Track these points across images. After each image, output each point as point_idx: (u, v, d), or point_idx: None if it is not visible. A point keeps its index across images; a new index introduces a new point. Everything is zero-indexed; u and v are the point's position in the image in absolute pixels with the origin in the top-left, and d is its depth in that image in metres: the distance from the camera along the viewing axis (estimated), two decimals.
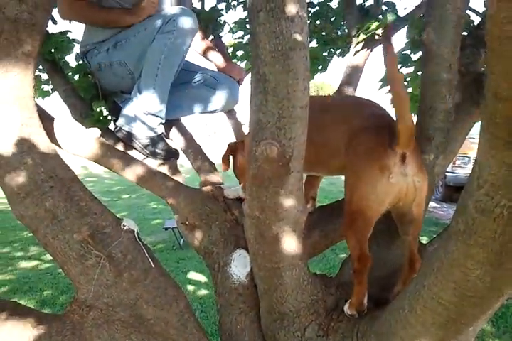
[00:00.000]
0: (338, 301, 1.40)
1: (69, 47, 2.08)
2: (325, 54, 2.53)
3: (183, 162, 2.07)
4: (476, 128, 0.99)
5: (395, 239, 1.44)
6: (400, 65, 2.09)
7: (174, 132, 2.07)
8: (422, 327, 1.06)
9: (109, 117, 2.02)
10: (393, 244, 1.47)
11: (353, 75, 2.11)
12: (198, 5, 2.55)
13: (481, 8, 1.88)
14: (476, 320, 1.01)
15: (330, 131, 1.40)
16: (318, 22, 2.48)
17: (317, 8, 2.51)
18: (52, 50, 1.99)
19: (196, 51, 2.23)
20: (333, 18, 2.49)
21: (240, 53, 2.67)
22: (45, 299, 3.98)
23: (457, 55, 1.45)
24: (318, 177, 1.72)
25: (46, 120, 1.50)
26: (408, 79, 2.09)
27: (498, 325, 3.38)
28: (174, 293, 1.39)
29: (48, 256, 1.35)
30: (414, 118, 1.43)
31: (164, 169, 1.88)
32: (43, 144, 1.33)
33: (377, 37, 2.04)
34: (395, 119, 1.24)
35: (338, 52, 2.57)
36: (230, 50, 2.61)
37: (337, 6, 2.50)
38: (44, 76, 2.31)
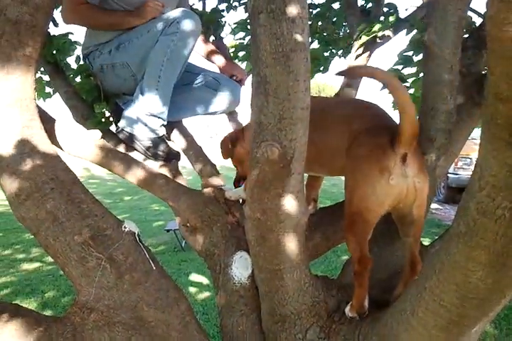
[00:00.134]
0: (339, 303, 1.39)
1: (71, 49, 2.09)
2: (326, 54, 2.53)
3: (185, 164, 2.07)
4: (479, 129, 0.99)
5: (396, 240, 1.44)
6: (401, 66, 2.09)
7: (175, 134, 2.07)
8: (424, 330, 1.05)
9: (111, 119, 2.03)
10: (394, 246, 1.47)
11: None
12: (198, 5, 2.55)
13: (483, 9, 1.88)
14: (478, 322, 1.00)
15: (330, 131, 1.40)
16: (319, 23, 2.49)
17: (319, 9, 2.51)
18: (54, 52, 1.99)
19: (198, 53, 2.23)
20: (335, 19, 2.49)
21: (241, 54, 2.67)
22: (47, 301, 3.98)
23: (458, 56, 1.44)
24: (319, 178, 1.72)
25: (47, 122, 1.50)
26: (410, 80, 2.09)
27: (501, 326, 3.37)
28: (175, 295, 1.39)
29: (50, 258, 1.34)
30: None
31: (165, 171, 1.88)
32: (44, 146, 1.33)
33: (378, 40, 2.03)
34: (395, 121, 1.24)
35: (339, 52, 2.57)
36: (232, 50, 2.61)
37: (338, 6, 2.50)
38: (45, 78, 2.32)
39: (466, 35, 1.59)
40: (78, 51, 2.11)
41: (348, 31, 2.39)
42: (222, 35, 2.47)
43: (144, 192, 1.72)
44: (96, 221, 1.31)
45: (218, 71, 2.21)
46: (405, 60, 2.05)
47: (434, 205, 7.94)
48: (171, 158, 1.94)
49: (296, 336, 1.36)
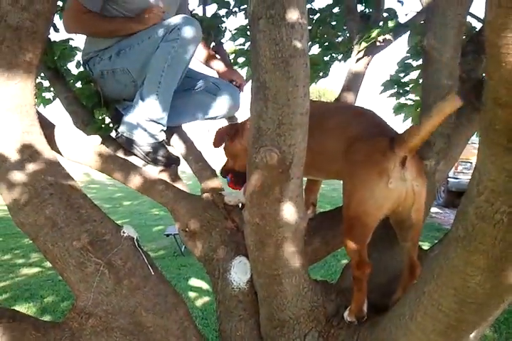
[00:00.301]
0: (338, 308, 1.39)
1: (71, 54, 2.10)
2: (326, 58, 2.54)
3: (185, 168, 2.07)
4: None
5: (395, 245, 1.44)
6: (402, 74, 2.10)
7: (175, 139, 2.08)
8: (422, 334, 1.05)
9: (111, 125, 2.03)
10: (393, 250, 1.47)
11: (354, 81, 2.11)
12: (198, 10, 2.56)
13: (483, 14, 1.88)
14: (476, 326, 1.00)
15: (328, 136, 1.40)
16: (320, 27, 2.49)
17: (319, 14, 2.52)
18: (55, 58, 2.00)
19: (198, 59, 2.23)
20: (334, 23, 2.49)
21: (241, 60, 2.68)
22: (46, 306, 3.96)
23: (458, 61, 1.45)
24: (318, 182, 1.72)
25: (47, 127, 1.50)
26: (410, 85, 2.10)
27: (501, 330, 3.35)
28: (174, 300, 1.39)
29: (49, 263, 1.34)
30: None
31: (165, 176, 1.88)
32: (44, 152, 1.33)
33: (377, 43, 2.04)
34: (392, 128, 1.23)
35: (339, 57, 2.57)
36: (232, 56, 2.62)
37: (338, 11, 2.51)
38: (46, 83, 2.32)
39: (465, 40, 1.60)
40: (78, 57, 2.12)
41: (348, 35, 2.39)
42: (222, 40, 2.48)
43: (144, 197, 1.72)
44: (95, 226, 1.31)
45: (217, 76, 2.22)
46: (406, 67, 2.05)
47: (433, 209, 7.93)
48: (170, 163, 1.94)
49: None
